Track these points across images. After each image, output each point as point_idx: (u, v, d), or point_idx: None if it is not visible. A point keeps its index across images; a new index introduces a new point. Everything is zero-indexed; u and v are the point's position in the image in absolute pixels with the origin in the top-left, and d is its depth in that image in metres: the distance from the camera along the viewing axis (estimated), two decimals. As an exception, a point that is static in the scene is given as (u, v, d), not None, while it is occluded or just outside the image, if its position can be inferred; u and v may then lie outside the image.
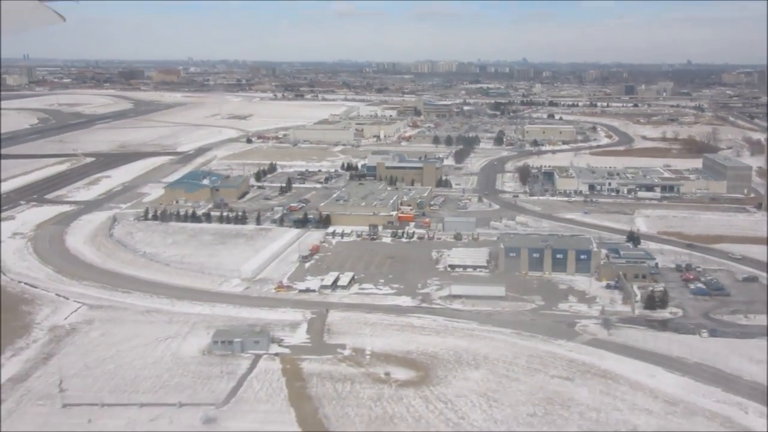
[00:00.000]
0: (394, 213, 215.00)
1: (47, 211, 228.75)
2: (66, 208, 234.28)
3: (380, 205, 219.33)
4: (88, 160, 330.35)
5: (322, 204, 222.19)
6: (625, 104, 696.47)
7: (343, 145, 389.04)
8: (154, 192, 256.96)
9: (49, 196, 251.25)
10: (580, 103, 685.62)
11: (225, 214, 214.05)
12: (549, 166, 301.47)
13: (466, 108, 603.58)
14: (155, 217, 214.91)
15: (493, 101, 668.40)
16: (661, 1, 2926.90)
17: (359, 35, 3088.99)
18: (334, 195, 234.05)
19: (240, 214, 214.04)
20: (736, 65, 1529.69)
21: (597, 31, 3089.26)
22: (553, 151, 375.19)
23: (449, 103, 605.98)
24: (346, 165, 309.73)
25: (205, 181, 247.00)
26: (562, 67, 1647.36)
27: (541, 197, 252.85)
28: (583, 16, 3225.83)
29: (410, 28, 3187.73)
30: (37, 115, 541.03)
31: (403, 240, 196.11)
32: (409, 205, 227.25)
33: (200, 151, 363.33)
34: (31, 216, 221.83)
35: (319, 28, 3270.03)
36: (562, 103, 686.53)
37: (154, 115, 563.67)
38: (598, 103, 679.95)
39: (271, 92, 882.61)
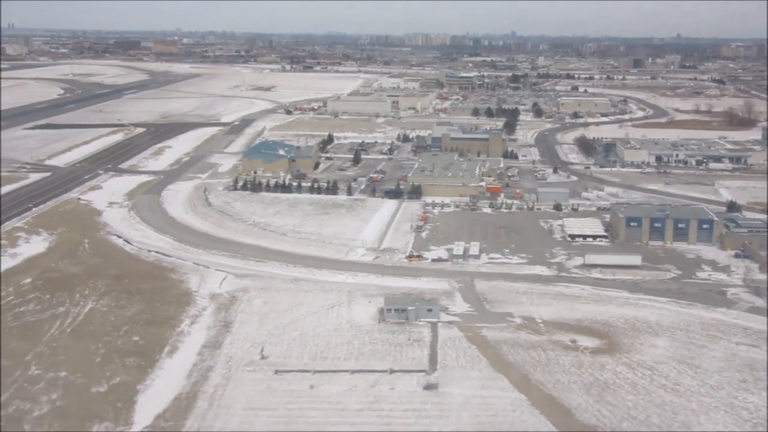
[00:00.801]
0: (483, 184, 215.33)
1: (129, 181, 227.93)
2: (145, 177, 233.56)
3: (468, 175, 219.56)
4: (139, 130, 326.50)
5: (408, 174, 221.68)
6: (640, 77, 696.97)
7: (384, 116, 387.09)
8: (224, 162, 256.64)
9: (122, 166, 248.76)
10: (596, 76, 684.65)
11: (315, 184, 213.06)
12: (605, 138, 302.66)
13: (486, 81, 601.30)
14: (244, 187, 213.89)
15: (510, 74, 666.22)
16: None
17: (347, 8, 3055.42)
18: (415, 166, 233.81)
19: (330, 184, 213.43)
20: (725, 39, 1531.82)
21: (586, 4, 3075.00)
22: (597, 124, 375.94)
23: (471, 75, 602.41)
24: (402, 136, 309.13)
25: (281, 152, 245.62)
26: (553, 41, 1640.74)
27: (612, 168, 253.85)
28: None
29: (397, 2, 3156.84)
30: (58, 85, 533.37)
31: (503, 210, 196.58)
32: (490, 176, 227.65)
33: (245, 122, 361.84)
34: (116, 185, 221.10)
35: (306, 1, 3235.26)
36: (577, 75, 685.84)
37: (175, 86, 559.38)
38: (615, 76, 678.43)
39: (276, 64, 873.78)
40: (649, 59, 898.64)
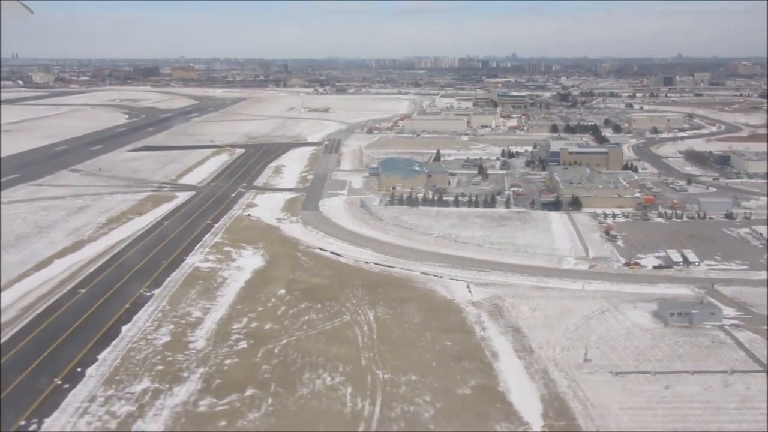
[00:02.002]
0: (638, 195, 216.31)
1: (274, 198, 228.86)
2: (287, 194, 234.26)
3: (617, 187, 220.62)
4: (239, 150, 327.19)
5: (561, 188, 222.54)
6: (682, 94, 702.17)
7: (462, 134, 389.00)
8: (351, 179, 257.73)
9: (257, 184, 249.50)
10: (637, 94, 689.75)
11: (468, 198, 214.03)
12: (716, 151, 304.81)
13: (536, 100, 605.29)
14: (401, 202, 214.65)
15: (555, 93, 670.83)
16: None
17: (346, 33, 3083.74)
18: (556, 178, 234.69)
19: (488, 197, 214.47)
20: (725, 58, 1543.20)
21: (584, 26, 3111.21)
22: (682, 138, 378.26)
23: (522, 94, 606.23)
24: (507, 152, 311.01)
25: (417, 168, 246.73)
26: (555, 62, 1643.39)
27: (740, 180, 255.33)
28: (571, 8, 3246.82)
29: (396, 26, 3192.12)
30: (115, 110, 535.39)
31: (675, 220, 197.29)
32: (635, 188, 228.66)
33: (333, 141, 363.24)
34: (266, 202, 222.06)
35: (307, 25, 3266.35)
36: (619, 93, 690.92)
37: (231, 109, 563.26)
38: (658, 94, 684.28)
39: (304, 87, 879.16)
40: (677, 77, 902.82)
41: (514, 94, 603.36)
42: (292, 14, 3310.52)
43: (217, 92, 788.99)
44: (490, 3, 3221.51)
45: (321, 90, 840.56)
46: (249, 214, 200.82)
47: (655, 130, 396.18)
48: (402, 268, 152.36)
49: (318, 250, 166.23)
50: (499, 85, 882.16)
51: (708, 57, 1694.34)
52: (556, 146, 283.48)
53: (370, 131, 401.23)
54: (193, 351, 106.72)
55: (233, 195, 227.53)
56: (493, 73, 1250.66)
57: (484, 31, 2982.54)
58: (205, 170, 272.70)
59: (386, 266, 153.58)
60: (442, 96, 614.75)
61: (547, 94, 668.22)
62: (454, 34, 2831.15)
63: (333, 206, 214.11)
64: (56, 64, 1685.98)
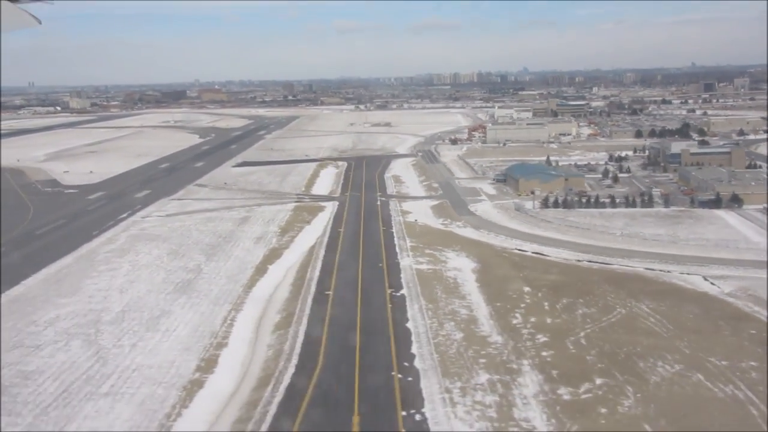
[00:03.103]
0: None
1: (419, 205, 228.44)
2: (428, 201, 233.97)
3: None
4: (341, 164, 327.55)
5: (713, 186, 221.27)
6: (734, 99, 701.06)
7: (549, 142, 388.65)
8: (478, 185, 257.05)
9: (391, 193, 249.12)
10: (689, 101, 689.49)
11: (630, 198, 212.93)
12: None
13: (593, 108, 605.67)
14: (555, 205, 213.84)
15: (607, 102, 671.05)
16: (657, 1, 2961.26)
17: (358, 52, 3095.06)
18: (703, 177, 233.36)
19: (645, 198, 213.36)
20: (740, 66, 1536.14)
21: (596, 38, 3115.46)
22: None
23: (581, 103, 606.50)
24: (615, 157, 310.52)
25: (553, 172, 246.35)
26: (564, 75, 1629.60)
27: None
28: (581, 20, 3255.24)
29: (410, 43, 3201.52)
30: (181, 131, 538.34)
31: None
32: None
33: (426, 153, 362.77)
34: (415, 209, 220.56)
35: (319, 45, 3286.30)
36: (671, 101, 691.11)
37: (293, 126, 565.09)
38: (713, 100, 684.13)
39: (339, 105, 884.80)
40: (717, 83, 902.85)
41: (572, 103, 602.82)
42: (306, 35, 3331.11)
43: (260, 112, 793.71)
44: (502, 19, 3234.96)
45: (362, 107, 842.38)
46: (416, 220, 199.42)
47: (741, 132, 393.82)
48: (620, 265, 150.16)
49: (516, 251, 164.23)
50: (537, 97, 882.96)
51: (722, 65, 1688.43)
52: (677, 148, 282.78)
53: (454, 142, 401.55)
54: (498, 344, 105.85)
55: (377, 203, 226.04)
56: (519, 87, 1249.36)
57: (496, 46, 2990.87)
58: (325, 182, 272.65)
59: (603, 264, 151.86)
60: (500, 107, 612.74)
61: (596, 103, 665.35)
62: (465, 50, 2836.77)
63: (486, 211, 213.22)
64: (73, 90, 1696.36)
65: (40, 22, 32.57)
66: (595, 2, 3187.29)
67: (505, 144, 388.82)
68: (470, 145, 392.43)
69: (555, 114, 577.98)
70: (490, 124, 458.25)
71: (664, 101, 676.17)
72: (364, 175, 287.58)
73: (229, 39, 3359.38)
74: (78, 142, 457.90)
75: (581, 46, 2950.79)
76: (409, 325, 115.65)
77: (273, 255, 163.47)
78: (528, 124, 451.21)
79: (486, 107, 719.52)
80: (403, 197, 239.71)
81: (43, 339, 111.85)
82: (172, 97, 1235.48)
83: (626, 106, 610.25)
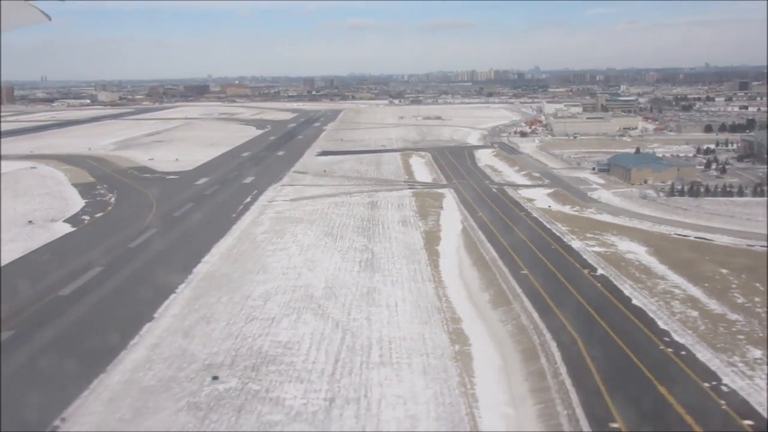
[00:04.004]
0: None
1: (534, 192, 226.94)
2: (539, 190, 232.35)
3: None
4: (423, 153, 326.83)
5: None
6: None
7: (620, 136, 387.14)
8: (581, 175, 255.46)
9: (496, 180, 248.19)
10: (734, 98, 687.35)
11: (757, 188, 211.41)
12: None
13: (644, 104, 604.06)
14: (681, 193, 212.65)
15: (653, 98, 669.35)
16: (669, 1, 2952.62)
17: (370, 49, 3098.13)
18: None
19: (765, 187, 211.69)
20: (755, 66, 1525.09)
21: (609, 37, 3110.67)
22: None
23: (631, 98, 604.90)
24: (703, 149, 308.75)
25: (665, 162, 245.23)
26: (584, 73, 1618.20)
27: None
28: (593, 20, 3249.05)
29: (420, 41, 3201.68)
30: (232, 123, 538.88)
31: None
32: None
33: (502, 144, 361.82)
34: (535, 196, 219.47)
35: (332, 42, 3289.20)
36: (715, 98, 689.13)
37: (343, 118, 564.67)
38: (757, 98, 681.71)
39: (370, 99, 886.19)
40: (752, 82, 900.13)
41: (623, 98, 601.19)
42: (318, 33, 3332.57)
43: (294, 105, 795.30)
44: (514, 19, 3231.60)
45: (396, 102, 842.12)
46: (549, 206, 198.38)
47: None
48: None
49: (675, 236, 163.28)
50: (571, 92, 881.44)
51: (737, 66, 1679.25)
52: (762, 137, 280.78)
53: (523, 134, 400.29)
54: (742, 322, 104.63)
55: (494, 190, 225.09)
56: (541, 84, 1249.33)
57: (508, 44, 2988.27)
58: (422, 170, 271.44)
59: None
60: (548, 102, 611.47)
61: (642, 100, 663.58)
62: (478, 48, 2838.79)
63: (609, 199, 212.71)
64: (87, 85, 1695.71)
65: (49, 19, 32.81)
66: (607, 2, 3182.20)
67: (575, 137, 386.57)
68: (541, 137, 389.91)
69: (605, 109, 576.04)
70: (552, 118, 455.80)
71: (708, 98, 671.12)
72: (456, 164, 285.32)
73: (240, 36, 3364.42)
74: (135, 132, 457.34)
75: (593, 46, 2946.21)
76: (636, 303, 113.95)
77: (431, 237, 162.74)
78: (588, 118, 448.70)
79: (525, 103, 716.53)
80: (512, 185, 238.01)
81: (271, 313, 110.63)
82: (195, 91, 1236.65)
83: (673, 103, 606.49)
